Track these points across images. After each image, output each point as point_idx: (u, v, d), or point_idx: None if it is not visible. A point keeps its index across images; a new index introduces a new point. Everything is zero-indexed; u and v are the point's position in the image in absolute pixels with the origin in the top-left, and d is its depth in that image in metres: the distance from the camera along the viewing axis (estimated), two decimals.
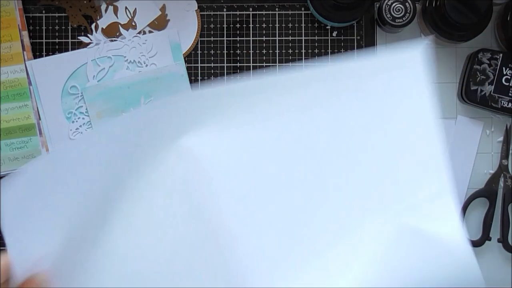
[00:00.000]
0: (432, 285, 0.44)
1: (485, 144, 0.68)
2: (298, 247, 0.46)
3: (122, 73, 0.68)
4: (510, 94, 0.65)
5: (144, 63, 0.68)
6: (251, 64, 0.68)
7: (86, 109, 0.67)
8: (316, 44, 0.68)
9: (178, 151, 0.46)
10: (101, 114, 0.67)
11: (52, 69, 0.67)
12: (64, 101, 0.67)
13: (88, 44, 0.68)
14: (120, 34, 0.67)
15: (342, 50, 0.68)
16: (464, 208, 0.67)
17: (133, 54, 0.67)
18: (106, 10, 0.68)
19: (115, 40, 0.67)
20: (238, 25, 0.69)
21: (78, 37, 0.68)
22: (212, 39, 0.69)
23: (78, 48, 0.68)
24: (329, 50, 0.68)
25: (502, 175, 0.67)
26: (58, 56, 0.67)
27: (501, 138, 0.68)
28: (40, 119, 0.67)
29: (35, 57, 0.68)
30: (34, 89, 0.67)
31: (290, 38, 0.68)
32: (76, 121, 0.67)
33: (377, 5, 0.66)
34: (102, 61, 0.68)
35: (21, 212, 0.46)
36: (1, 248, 0.44)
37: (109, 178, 0.46)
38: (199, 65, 0.69)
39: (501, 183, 0.68)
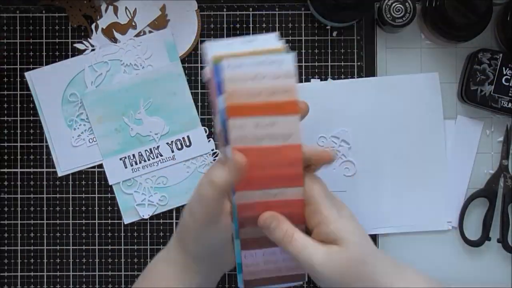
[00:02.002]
0: None
1: (485, 144, 0.68)
2: None
3: (120, 76, 0.68)
4: (510, 94, 0.65)
5: (141, 65, 0.68)
6: None
7: (87, 115, 0.67)
8: (316, 44, 0.68)
9: None
10: (101, 119, 0.67)
11: (51, 78, 0.67)
12: (64, 109, 0.68)
13: (84, 50, 0.68)
14: (121, 34, 0.67)
15: (342, 50, 0.68)
16: (464, 208, 0.67)
17: (129, 57, 0.67)
18: (106, 10, 0.68)
19: (109, 45, 0.67)
20: (238, 25, 0.69)
21: (74, 45, 0.68)
22: (212, 39, 0.68)
23: (77, 52, 0.68)
24: (329, 50, 0.68)
25: (502, 175, 0.67)
26: (55, 65, 0.68)
27: (501, 138, 0.68)
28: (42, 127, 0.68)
29: (35, 57, 0.68)
30: (35, 99, 0.67)
31: (290, 38, 0.68)
32: (78, 128, 0.68)
33: (377, 5, 0.66)
34: (99, 66, 0.68)
35: None
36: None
37: None
38: (199, 65, 0.68)
39: (501, 183, 0.67)
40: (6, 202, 0.67)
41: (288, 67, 0.47)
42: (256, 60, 0.47)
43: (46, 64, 0.68)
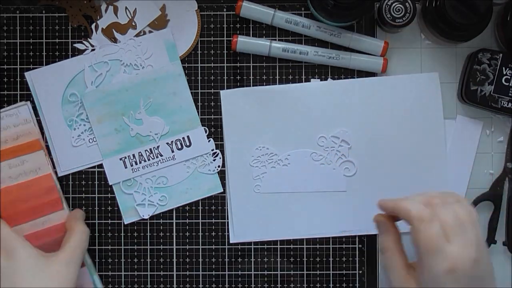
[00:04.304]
0: None
1: (485, 144, 0.68)
2: None
3: (120, 76, 0.68)
4: (510, 94, 0.65)
5: (141, 65, 0.68)
6: (251, 64, 0.68)
7: (87, 115, 0.67)
8: (316, 44, 0.68)
9: None
10: (101, 119, 0.67)
11: (51, 78, 0.67)
12: (64, 109, 0.68)
13: (84, 50, 0.68)
14: (121, 34, 0.67)
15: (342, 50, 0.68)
16: None
17: (129, 57, 0.67)
18: (106, 10, 0.68)
19: (109, 45, 0.67)
20: (238, 25, 0.69)
21: (74, 45, 0.68)
22: (212, 39, 0.69)
23: (77, 52, 0.68)
24: None
25: (506, 178, 0.67)
26: (55, 65, 0.68)
27: (501, 138, 0.68)
28: (42, 128, 0.68)
29: (35, 57, 0.68)
30: (35, 99, 0.67)
31: (290, 38, 0.68)
32: (78, 128, 0.68)
33: (377, 5, 0.66)
34: (98, 66, 0.68)
35: None
36: None
37: None
38: (199, 65, 0.69)
39: (506, 187, 0.67)
40: None
41: (25, 115, 0.64)
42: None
43: (46, 64, 0.68)
